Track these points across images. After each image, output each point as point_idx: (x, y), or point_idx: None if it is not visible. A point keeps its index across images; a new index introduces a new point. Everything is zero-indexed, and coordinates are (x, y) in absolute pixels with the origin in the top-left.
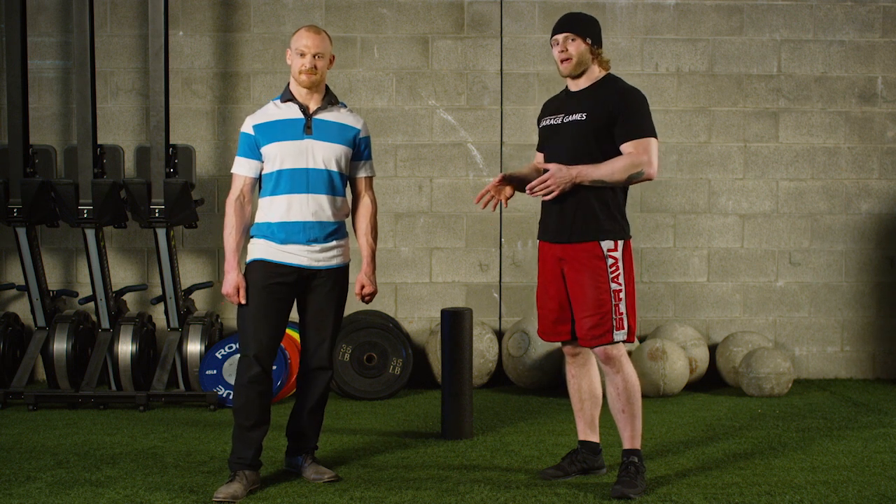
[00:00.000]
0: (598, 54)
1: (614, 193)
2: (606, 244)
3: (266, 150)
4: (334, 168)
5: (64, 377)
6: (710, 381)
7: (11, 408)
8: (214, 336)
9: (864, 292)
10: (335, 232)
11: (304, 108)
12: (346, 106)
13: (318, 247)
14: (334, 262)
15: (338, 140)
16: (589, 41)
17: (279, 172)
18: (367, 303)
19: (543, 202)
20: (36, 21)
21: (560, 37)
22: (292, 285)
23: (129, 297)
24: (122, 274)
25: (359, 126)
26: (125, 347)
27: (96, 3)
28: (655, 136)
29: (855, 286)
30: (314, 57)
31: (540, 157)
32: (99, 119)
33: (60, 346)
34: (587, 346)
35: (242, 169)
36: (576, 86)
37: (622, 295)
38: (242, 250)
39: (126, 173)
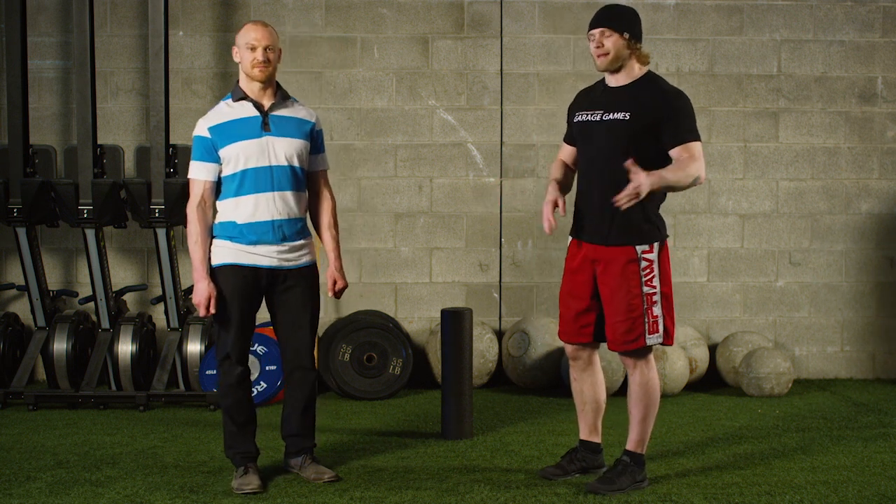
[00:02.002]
0: (636, 49)
1: (652, 197)
2: (641, 247)
3: (225, 151)
4: (296, 163)
5: (64, 377)
6: (710, 381)
7: (11, 408)
8: (214, 336)
9: (864, 292)
10: (302, 230)
11: (258, 106)
12: (297, 101)
13: (287, 246)
14: (303, 260)
15: (296, 135)
16: (626, 35)
17: (243, 173)
18: (338, 298)
19: (582, 200)
20: (36, 21)
21: (595, 31)
22: (263, 287)
23: (129, 297)
24: (122, 274)
25: (313, 119)
26: (125, 347)
27: (96, 3)
28: (700, 140)
29: (855, 286)
30: (265, 50)
31: (566, 148)
32: (99, 119)
33: (60, 346)
34: (616, 351)
35: (201, 173)
36: (615, 81)
37: (656, 297)
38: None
39: (126, 173)
